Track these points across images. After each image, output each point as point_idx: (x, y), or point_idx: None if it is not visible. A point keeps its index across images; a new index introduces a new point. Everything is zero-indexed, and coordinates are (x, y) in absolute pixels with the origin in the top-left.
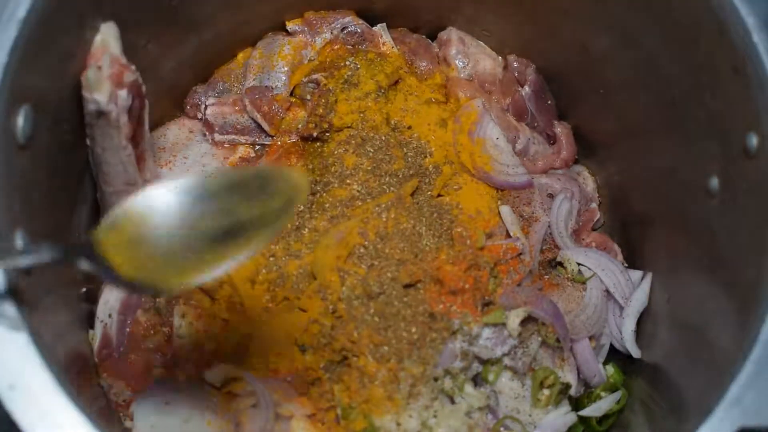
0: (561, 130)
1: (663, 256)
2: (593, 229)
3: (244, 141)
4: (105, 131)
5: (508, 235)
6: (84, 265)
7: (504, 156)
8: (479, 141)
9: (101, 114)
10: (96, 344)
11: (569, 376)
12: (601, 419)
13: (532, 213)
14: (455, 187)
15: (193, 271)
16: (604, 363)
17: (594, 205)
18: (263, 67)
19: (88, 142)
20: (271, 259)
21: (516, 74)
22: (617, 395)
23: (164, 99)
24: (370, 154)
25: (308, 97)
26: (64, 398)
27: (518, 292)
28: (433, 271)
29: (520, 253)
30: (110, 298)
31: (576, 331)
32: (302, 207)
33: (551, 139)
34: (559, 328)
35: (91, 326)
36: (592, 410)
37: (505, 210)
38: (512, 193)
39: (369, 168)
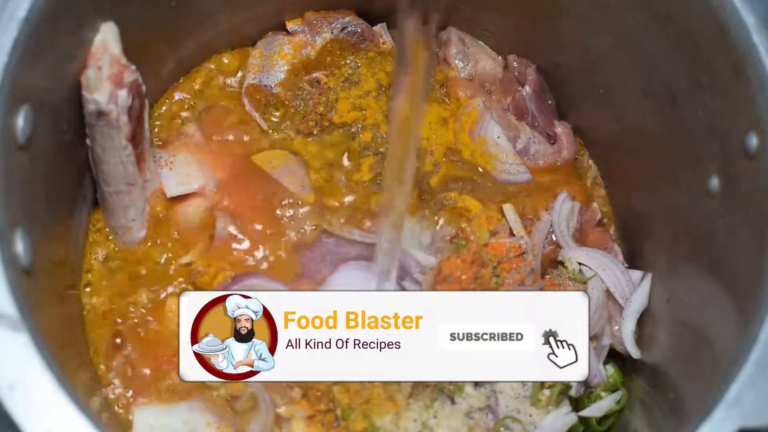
0: (561, 129)
1: (663, 256)
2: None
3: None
4: (105, 131)
5: (511, 234)
6: None
7: (505, 155)
8: (480, 140)
9: (101, 114)
10: None
11: None
12: (601, 419)
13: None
14: None
15: None
16: (604, 363)
17: (594, 204)
18: (263, 66)
19: (88, 142)
20: None
21: (516, 74)
22: (617, 395)
23: None
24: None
25: (308, 95)
26: (64, 398)
27: None
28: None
29: (523, 252)
30: None
31: None
32: None
33: (552, 139)
34: None
35: None
36: (593, 410)
37: (508, 208)
38: None
39: None
